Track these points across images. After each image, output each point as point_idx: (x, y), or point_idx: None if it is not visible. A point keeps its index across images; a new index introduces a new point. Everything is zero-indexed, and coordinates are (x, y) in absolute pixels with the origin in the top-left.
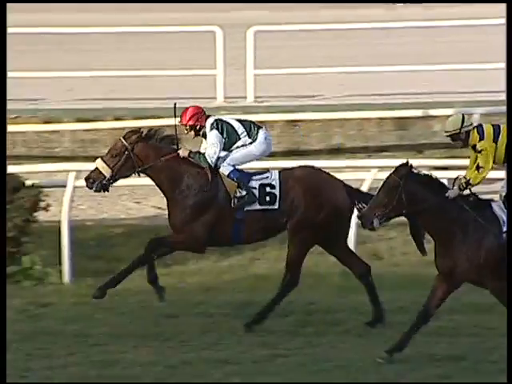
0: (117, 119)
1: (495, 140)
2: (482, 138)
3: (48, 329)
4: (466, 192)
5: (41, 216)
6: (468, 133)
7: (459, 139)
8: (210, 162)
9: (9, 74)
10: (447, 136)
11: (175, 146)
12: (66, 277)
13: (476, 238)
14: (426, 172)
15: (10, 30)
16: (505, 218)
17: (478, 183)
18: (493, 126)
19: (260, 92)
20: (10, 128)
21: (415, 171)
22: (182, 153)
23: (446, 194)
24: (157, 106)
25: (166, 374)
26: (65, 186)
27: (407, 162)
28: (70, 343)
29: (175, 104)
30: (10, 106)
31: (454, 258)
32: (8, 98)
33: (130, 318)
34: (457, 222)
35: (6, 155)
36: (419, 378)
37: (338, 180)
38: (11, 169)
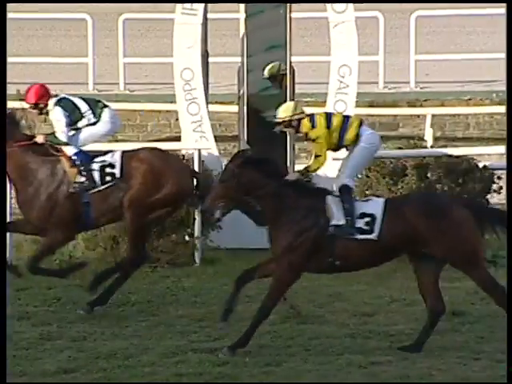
0: None
1: (328, 126)
2: (313, 127)
3: (500, 312)
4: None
5: (494, 199)
6: (299, 121)
7: (291, 127)
8: (62, 138)
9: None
10: (278, 123)
11: (30, 132)
12: None
13: (299, 226)
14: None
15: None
16: (335, 211)
17: (315, 170)
18: (326, 113)
19: None
20: (463, 110)
21: (254, 158)
22: (39, 139)
23: (286, 178)
24: None
25: None
26: None
27: (243, 150)
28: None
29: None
30: (462, 88)
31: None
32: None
33: None
34: (288, 209)
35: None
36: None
37: (185, 164)
38: (464, 151)
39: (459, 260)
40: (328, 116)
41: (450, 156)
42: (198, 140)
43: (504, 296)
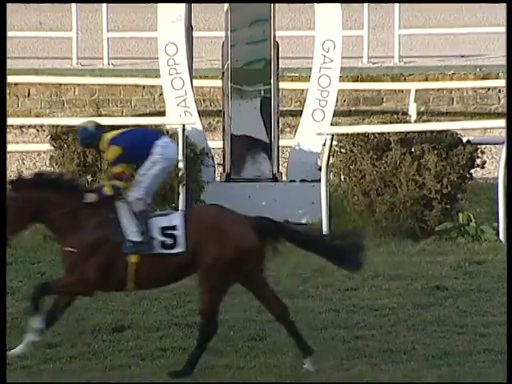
0: None
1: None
2: None
3: (483, 286)
4: None
5: (477, 173)
6: None
7: None
8: None
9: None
10: None
11: None
12: (501, 234)
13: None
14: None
15: None
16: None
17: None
18: None
19: None
20: (447, 84)
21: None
22: None
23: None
24: None
25: None
26: (501, 143)
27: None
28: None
29: None
30: (446, 62)
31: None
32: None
33: None
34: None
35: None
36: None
37: None
38: (448, 125)
39: None
40: None
41: (434, 131)
42: (183, 115)
43: None
